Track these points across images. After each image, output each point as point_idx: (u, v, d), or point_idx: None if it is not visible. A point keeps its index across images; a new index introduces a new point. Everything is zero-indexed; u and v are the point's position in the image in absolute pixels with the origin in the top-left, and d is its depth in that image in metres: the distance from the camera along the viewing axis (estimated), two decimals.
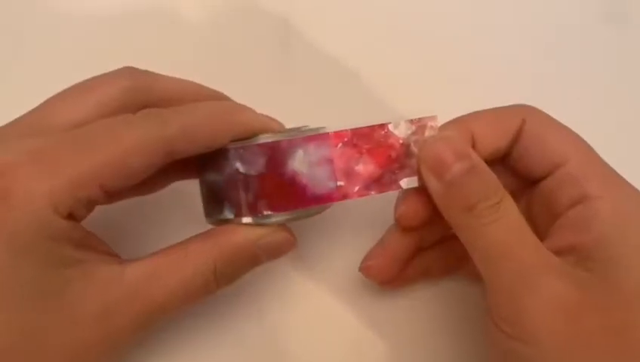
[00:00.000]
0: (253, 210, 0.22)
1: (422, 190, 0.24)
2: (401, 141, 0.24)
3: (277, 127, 0.24)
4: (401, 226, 0.25)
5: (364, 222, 0.29)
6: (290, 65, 0.32)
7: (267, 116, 0.24)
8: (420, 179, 0.24)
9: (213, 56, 0.32)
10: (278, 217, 0.23)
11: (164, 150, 0.21)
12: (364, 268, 0.27)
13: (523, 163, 0.25)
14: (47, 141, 0.21)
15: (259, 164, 0.22)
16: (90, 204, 0.21)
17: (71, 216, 0.20)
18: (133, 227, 0.29)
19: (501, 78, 0.32)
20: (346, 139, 0.23)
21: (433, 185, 0.23)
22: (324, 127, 0.23)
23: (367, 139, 0.23)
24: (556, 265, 0.22)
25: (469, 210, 0.22)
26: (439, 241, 0.28)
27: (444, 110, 0.25)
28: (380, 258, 0.26)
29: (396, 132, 0.24)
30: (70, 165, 0.20)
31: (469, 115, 0.25)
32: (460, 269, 0.28)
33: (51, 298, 0.20)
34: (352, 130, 0.23)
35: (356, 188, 0.23)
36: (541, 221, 0.24)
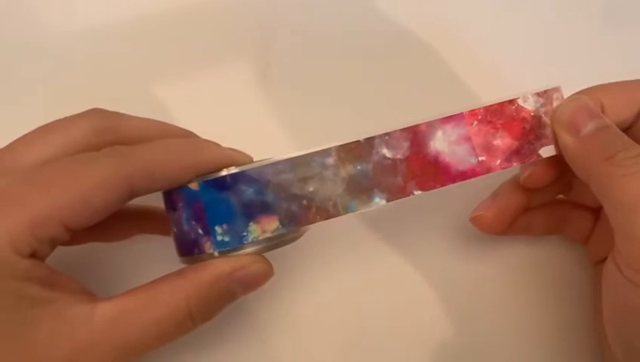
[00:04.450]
0: (404, 193, 0.23)
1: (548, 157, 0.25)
2: (532, 113, 0.25)
3: (244, 160, 0.24)
4: (526, 187, 0.27)
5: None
6: (270, 86, 0.33)
7: (233, 149, 0.24)
8: (556, 146, 0.24)
9: (193, 75, 0.33)
10: (252, 247, 0.23)
11: (126, 186, 0.21)
12: (475, 218, 0.28)
13: None
14: (9, 181, 0.21)
15: (404, 148, 0.24)
16: (53, 242, 0.21)
17: (34, 255, 0.20)
18: (116, 263, 0.29)
19: (498, 78, 0.33)
20: (480, 117, 0.24)
21: (568, 142, 0.24)
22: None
23: (499, 114, 0.24)
24: None
25: (608, 158, 0.22)
26: (545, 204, 0.29)
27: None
28: (490, 210, 0.28)
29: (526, 105, 0.25)
30: (30, 204, 0.20)
31: (598, 86, 0.25)
32: (559, 231, 0.30)
33: (18, 339, 0.20)
34: (484, 107, 0.24)
35: (498, 162, 0.24)
36: None
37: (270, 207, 0.23)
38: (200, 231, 0.23)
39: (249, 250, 0.23)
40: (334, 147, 0.23)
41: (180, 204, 0.23)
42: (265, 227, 0.23)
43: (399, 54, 0.34)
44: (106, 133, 0.23)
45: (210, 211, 0.23)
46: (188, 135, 0.26)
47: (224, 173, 0.23)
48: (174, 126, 0.26)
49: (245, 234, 0.23)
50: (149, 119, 0.25)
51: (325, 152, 0.23)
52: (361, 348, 0.29)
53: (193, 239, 0.23)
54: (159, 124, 0.25)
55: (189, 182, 0.23)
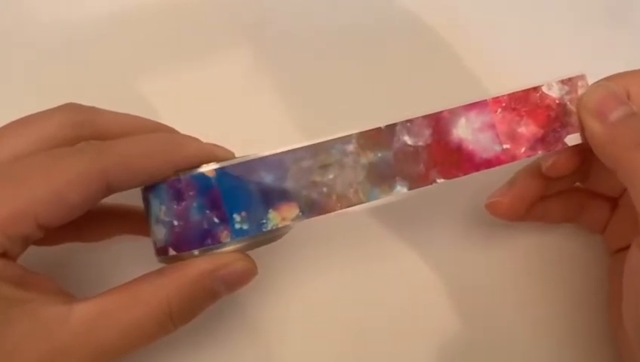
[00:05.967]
0: (426, 180, 0.23)
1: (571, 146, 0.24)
2: (557, 101, 0.24)
3: (225, 155, 0.23)
4: (548, 175, 0.26)
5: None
6: (264, 79, 0.32)
7: (214, 145, 0.23)
8: (581, 133, 0.24)
9: (184, 68, 0.32)
10: (233, 245, 0.22)
11: (102, 181, 0.20)
12: (491, 204, 0.27)
13: None
14: None
15: (425, 135, 0.23)
16: (25, 241, 0.20)
17: (5, 254, 0.20)
18: (95, 264, 0.28)
19: (496, 77, 0.32)
20: (504, 104, 0.24)
21: (595, 128, 0.23)
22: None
23: (524, 102, 0.24)
24: None
25: (637, 145, 0.22)
26: (561, 192, 0.28)
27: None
28: (506, 197, 0.27)
29: (550, 93, 0.24)
30: (2, 201, 0.19)
31: (624, 73, 0.25)
32: (575, 220, 0.29)
33: None
34: (508, 95, 0.24)
35: (523, 149, 0.24)
36: None
37: (290, 194, 0.22)
38: (216, 219, 0.22)
39: (231, 248, 0.22)
40: (354, 134, 0.23)
41: (191, 193, 0.22)
42: (285, 214, 0.22)
43: (399, 46, 0.33)
44: (82, 128, 0.22)
45: (228, 199, 0.22)
46: (167, 130, 0.25)
47: (242, 159, 0.22)
48: (152, 121, 0.25)
49: (265, 221, 0.22)
50: (126, 114, 0.24)
51: (345, 139, 0.22)
52: (361, 345, 0.29)
53: (206, 229, 0.22)
54: (136, 119, 0.25)
55: (168, 177, 0.22)
